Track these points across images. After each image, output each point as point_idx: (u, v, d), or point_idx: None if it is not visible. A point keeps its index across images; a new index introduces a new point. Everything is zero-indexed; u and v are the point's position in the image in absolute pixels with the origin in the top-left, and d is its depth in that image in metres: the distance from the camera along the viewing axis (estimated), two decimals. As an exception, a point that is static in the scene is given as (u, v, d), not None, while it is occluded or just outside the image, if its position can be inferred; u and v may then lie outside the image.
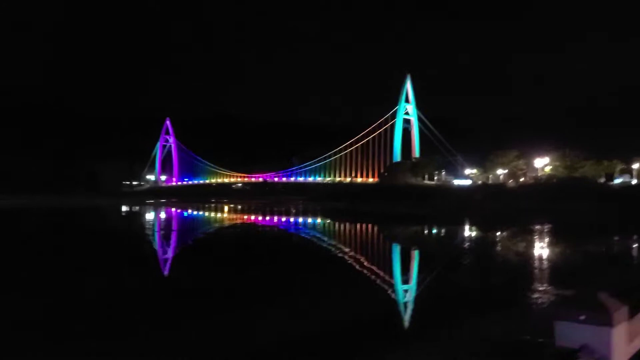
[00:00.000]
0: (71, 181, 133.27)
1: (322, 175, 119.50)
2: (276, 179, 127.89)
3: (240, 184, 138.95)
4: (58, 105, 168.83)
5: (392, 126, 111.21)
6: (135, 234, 30.84)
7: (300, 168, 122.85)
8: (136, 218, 50.18)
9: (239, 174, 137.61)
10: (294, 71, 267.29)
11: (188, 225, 42.08)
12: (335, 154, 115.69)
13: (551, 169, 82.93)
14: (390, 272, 16.58)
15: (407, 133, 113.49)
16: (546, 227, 34.62)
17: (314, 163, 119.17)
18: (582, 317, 1.69)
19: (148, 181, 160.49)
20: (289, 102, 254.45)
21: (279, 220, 45.12)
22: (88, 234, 30.67)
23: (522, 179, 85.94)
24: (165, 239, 26.76)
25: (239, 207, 73.29)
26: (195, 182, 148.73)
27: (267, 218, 47.46)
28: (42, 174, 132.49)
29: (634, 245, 25.77)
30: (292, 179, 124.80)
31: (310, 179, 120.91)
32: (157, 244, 24.39)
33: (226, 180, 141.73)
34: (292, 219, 46.16)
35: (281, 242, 27.28)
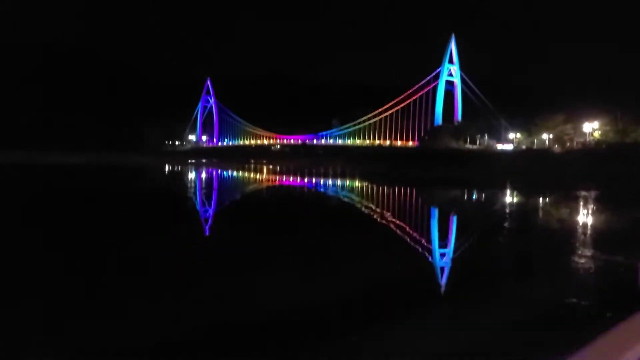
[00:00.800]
0: (119, 140, 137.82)
1: (361, 137, 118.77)
2: (315, 141, 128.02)
3: (279, 146, 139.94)
4: (105, 64, 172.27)
5: (435, 88, 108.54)
6: (180, 191, 31.78)
7: (340, 130, 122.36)
8: (180, 177, 51.57)
9: (279, 135, 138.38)
10: (336, 31, 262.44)
11: (230, 185, 42.94)
12: (375, 116, 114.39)
13: (601, 134, 79.49)
14: (431, 235, 16.53)
15: (449, 95, 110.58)
16: (592, 194, 33.52)
17: (354, 125, 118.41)
18: None
19: (190, 141, 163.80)
20: (331, 64, 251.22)
21: (317, 182, 45.40)
22: (139, 192, 31.80)
23: (568, 144, 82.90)
24: (207, 197, 27.46)
25: (278, 168, 74.12)
26: (235, 143, 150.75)
27: (306, 180, 47.83)
28: (91, 133, 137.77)
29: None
30: (331, 141, 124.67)
31: (350, 142, 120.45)
32: (198, 202, 25.06)
33: (265, 141, 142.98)
34: (330, 182, 46.37)
35: (319, 202, 27.52)
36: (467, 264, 11.65)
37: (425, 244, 14.33)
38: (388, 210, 23.38)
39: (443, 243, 14.62)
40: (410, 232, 16.42)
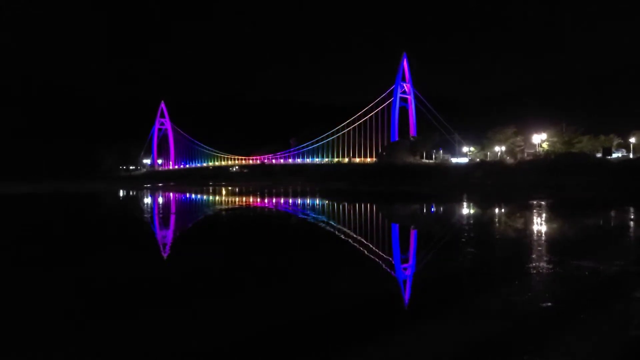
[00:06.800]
0: (70, 166, 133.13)
1: (320, 156, 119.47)
2: (274, 161, 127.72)
3: (237, 167, 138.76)
4: (55, 89, 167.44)
5: (390, 105, 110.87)
6: (139, 217, 30.79)
7: (298, 149, 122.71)
8: (138, 202, 50.09)
9: (237, 157, 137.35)
10: (291, 50, 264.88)
11: (187, 209, 42.03)
12: (333, 134, 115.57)
13: (549, 145, 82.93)
14: (393, 250, 16.53)
15: (404, 112, 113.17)
16: (544, 203, 34.68)
17: (312, 144, 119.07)
18: None
19: (145, 165, 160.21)
20: (287, 83, 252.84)
21: (277, 201, 45.07)
22: (96, 218, 30.58)
23: (520, 156, 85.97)
24: (165, 221, 26.69)
25: (237, 189, 73.26)
26: (192, 165, 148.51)
27: (265, 200, 47.40)
28: (42, 159, 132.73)
29: (631, 217, 25.84)
30: (290, 160, 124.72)
31: (308, 160, 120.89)
32: (156, 227, 24.30)
33: (223, 163, 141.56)
34: (290, 201, 46.12)
35: (280, 222, 27.22)
36: (432, 276, 11.65)
37: (391, 259, 14.31)
38: (353, 229, 23.34)
39: (405, 257, 14.66)
40: (378, 250, 16.40)
